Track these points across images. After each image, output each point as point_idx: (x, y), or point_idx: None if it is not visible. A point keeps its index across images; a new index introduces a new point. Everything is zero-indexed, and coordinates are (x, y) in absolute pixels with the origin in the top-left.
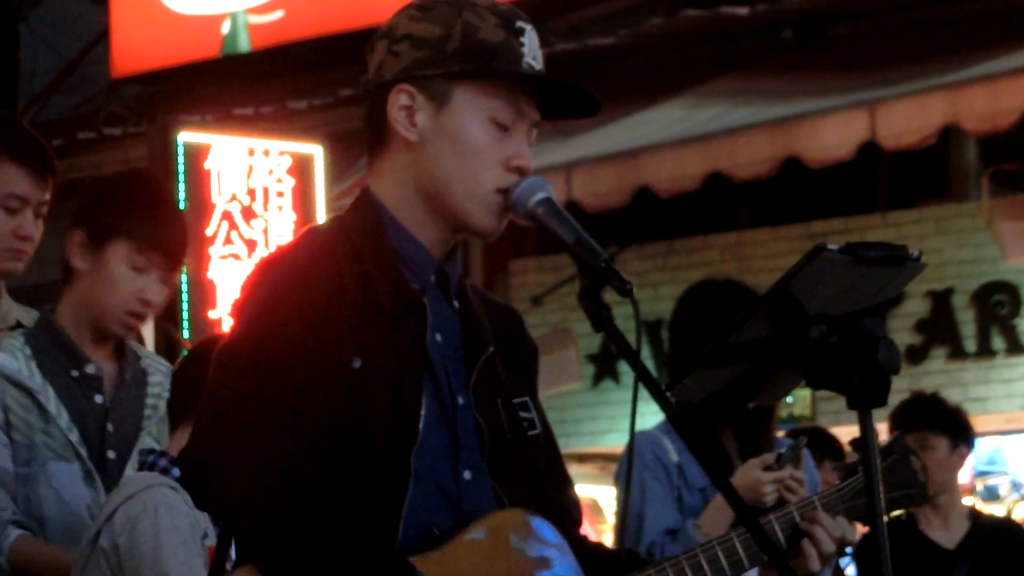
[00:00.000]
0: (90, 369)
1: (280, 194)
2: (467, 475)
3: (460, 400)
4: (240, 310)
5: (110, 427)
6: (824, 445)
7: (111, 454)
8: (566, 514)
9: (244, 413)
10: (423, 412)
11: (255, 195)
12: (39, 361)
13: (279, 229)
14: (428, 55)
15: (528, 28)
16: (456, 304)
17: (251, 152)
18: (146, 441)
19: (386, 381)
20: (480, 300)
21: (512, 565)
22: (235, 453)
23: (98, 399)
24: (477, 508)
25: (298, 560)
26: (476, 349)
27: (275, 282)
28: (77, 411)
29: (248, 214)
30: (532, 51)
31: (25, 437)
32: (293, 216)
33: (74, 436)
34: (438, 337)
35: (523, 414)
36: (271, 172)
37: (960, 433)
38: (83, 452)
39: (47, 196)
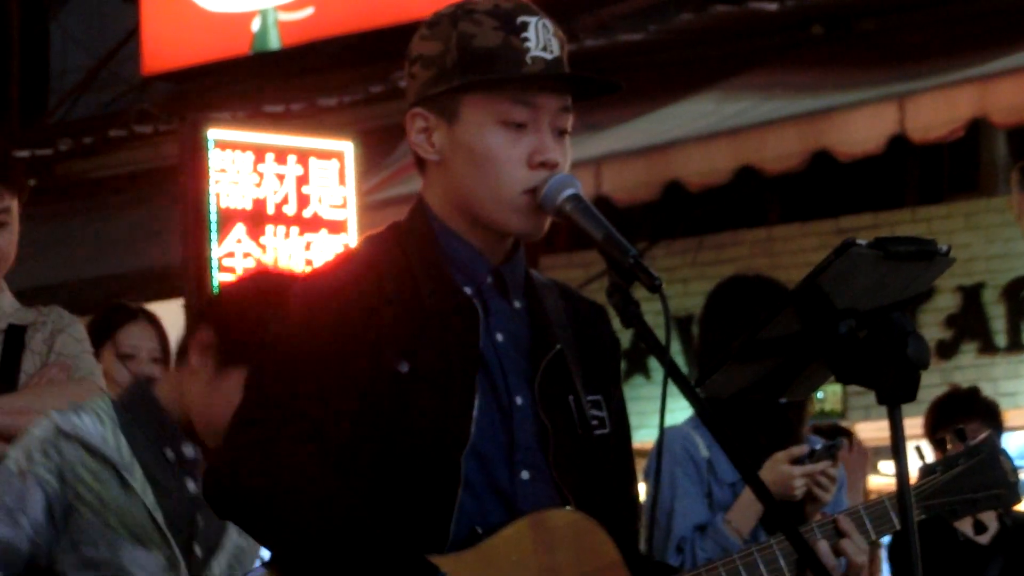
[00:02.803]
0: (188, 451)
1: (310, 195)
2: (525, 475)
3: (519, 400)
4: (275, 329)
5: (200, 520)
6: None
7: (198, 550)
8: (628, 514)
9: (267, 423)
10: (475, 413)
11: (288, 195)
12: (127, 432)
13: (310, 227)
14: (433, 74)
15: (533, 20)
16: (518, 304)
17: (282, 151)
18: (232, 537)
19: (435, 383)
20: (561, 297)
21: (547, 562)
22: (255, 462)
23: (191, 486)
24: (535, 508)
25: (315, 566)
26: (543, 348)
27: (309, 297)
28: (165, 494)
29: (278, 213)
30: (540, 42)
31: (97, 515)
32: (325, 214)
33: (159, 517)
34: (499, 337)
35: (593, 412)
36: (303, 171)
37: (1000, 427)
38: (170, 537)
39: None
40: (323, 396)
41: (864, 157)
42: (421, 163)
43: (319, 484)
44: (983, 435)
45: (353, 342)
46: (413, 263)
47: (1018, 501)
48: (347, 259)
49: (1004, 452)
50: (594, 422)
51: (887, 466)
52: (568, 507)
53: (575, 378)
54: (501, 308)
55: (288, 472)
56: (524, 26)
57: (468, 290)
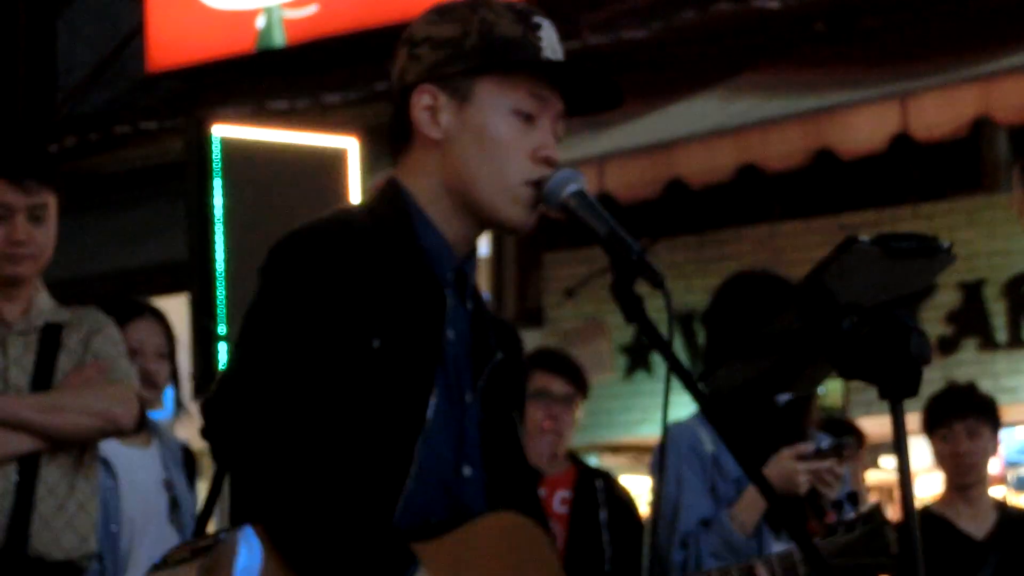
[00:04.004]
0: None
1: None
2: (467, 471)
3: (468, 397)
4: (266, 276)
5: None
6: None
7: None
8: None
9: (266, 376)
10: (432, 401)
11: (290, 189)
12: None
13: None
14: (448, 54)
15: (545, 23)
16: (470, 305)
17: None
18: None
19: (400, 365)
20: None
21: (504, 565)
22: (254, 414)
23: None
24: (473, 505)
25: (302, 528)
26: (484, 353)
27: (304, 252)
28: None
29: (283, 208)
30: (551, 45)
31: None
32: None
33: None
34: (450, 334)
35: (519, 428)
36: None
37: (998, 422)
38: None
39: (38, 200)
40: (320, 358)
41: (867, 156)
42: (401, 144)
43: (319, 448)
44: (872, 504)
45: (342, 307)
46: (392, 244)
47: (895, 574)
48: (337, 225)
49: (888, 524)
50: (519, 436)
51: (888, 461)
52: (522, 514)
53: (505, 391)
54: (455, 305)
55: (288, 431)
56: (538, 26)
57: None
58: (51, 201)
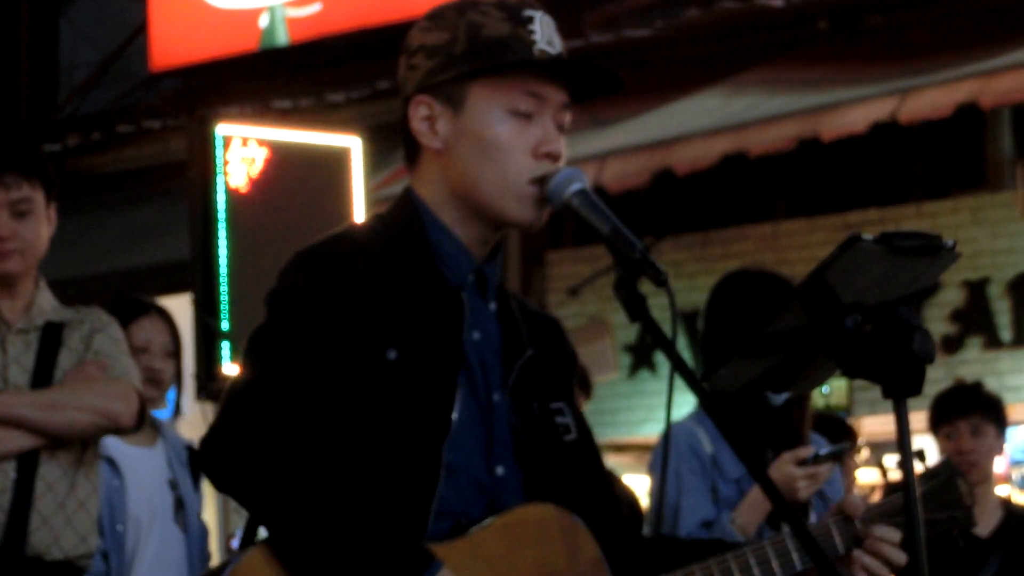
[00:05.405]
0: None
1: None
2: (500, 471)
3: (496, 397)
4: (272, 298)
5: None
6: (842, 436)
7: None
8: (609, 514)
9: (266, 397)
10: (457, 406)
11: (295, 187)
12: None
13: (318, 221)
14: (439, 62)
15: (538, 15)
16: (493, 306)
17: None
18: None
19: (420, 373)
20: (519, 307)
21: (533, 557)
22: (254, 435)
23: None
24: (510, 504)
25: (312, 544)
26: (515, 351)
27: (310, 272)
28: None
29: (288, 205)
30: (545, 36)
31: None
32: (331, 208)
33: None
34: (475, 335)
35: (559, 419)
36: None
37: (1003, 421)
38: None
39: (20, 194)
40: (323, 375)
41: (850, 136)
42: (412, 155)
43: (320, 464)
44: (941, 459)
45: (350, 325)
46: (404, 253)
47: (972, 525)
48: (343, 241)
49: (961, 476)
50: (560, 428)
51: (893, 460)
52: (552, 504)
53: (541, 384)
54: (478, 307)
55: (295, 454)
56: (530, 19)
57: (452, 284)
58: (37, 195)
